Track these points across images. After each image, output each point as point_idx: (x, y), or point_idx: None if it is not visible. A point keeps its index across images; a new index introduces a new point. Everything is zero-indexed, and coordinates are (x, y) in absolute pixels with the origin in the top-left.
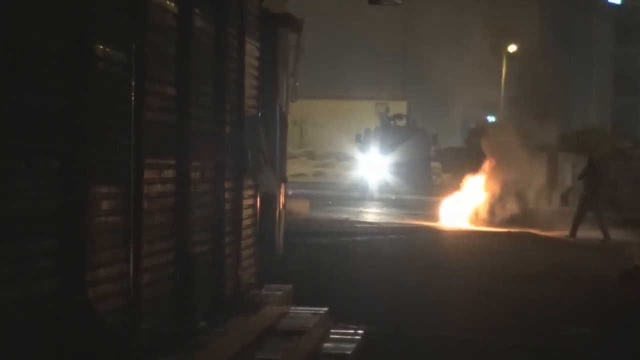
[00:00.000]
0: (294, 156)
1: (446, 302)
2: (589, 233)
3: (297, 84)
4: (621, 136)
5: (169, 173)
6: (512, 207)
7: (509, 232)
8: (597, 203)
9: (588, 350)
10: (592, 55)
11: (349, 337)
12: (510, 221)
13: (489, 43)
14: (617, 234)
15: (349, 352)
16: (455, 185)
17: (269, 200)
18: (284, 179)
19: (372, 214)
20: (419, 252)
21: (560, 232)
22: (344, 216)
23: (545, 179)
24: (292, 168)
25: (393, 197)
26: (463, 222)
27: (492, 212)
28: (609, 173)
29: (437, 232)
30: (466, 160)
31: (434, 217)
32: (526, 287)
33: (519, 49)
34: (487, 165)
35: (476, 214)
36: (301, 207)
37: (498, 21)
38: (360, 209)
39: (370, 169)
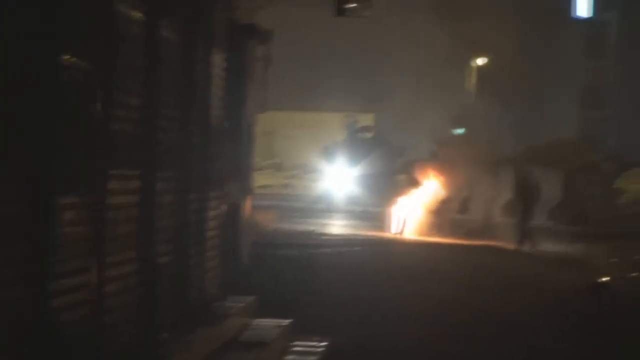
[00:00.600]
0: (262, 168)
1: (412, 314)
2: (555, 246)
3: (266, 95)
4: (591, 149)
5: (135, 183)
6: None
7: (473, 245)
8: (528, 213)
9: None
10: (561, 69)
11: (311, 349)
12: (474, 233)
13: (458, 56)
14: (584, 247)
15: None
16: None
17: (235, 212)
18: (250, 191)
19: (338, 226)
20: (385, 264)
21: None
22: (311, 228)
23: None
24: (259, 180)
25: (359, 209)
26: (426, 234)
27: (454, 223)
28: (538, 187)
29: (402, 244)
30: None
31: (399, 229)
32: (493, 299)
33: (488, 63)
34: (442, 177)
35: (437, 225)
36: (268, 219)
37: (467, 35)
38: (327, 220)
39: (337, 181)
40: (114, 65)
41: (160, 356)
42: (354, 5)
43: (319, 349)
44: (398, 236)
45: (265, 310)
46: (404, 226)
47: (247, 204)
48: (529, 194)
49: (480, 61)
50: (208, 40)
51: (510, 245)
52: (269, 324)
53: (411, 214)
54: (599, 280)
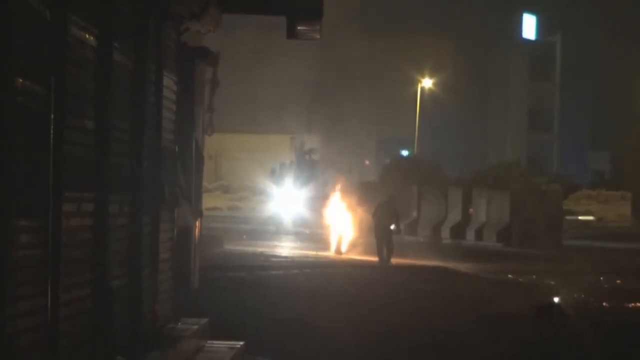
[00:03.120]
0: (209, 190)
1: (362, 338)
2: (503, 267)
3: (213, 117)
4: (536, 172)
5: (88, 207)
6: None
7: (423, 267)
8: (389, 233)
9: None
10: (507, 90)
11: None
12: (423, 255)
13: (404, 79)
14: (533, 269)
15: None
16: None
17: (185, 234)
18: (200, 213)
19: (286, 248)
20: (335, 286)
21: (473, 266)
22: (259, 250)
23: (460, 214)
24: (207, 202)
25: (307, 231)
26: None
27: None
28: (399, 209)
29: (351, 266)
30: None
31: (349, 251)
32: (443, 323)
33: (434, 84)
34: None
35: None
36: (216, 241)
37: (414, 57)
38: (275, 242)
39: (285, 202)
40: (66, 89)
41: None
42: (305, 28)
43: None
44: (338, 255)
45: (217, 332)
46: (340, 245)
47: (197, 227)
48: (393, 214)
49: (426, 83)
50: (158, 64)
51: (451, 265)
52: (222, 347)
53: (349, 233)
54: (549, 301)
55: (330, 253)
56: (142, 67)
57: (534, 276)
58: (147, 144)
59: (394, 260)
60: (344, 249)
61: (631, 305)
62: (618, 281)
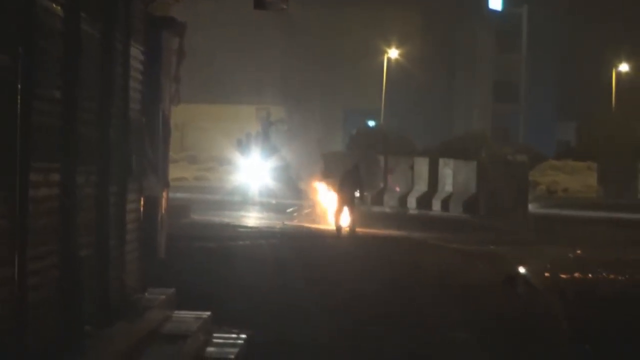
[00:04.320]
0: (175, 160)
1: (329, 307)
2: (469, 238)
3: (179, 88)
4: (503, 143)
5: (55, 176)
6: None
7: (390, 237)
8: (352, 202)
9: (464, 356)
10: (473, 61)
11: (231, 341)
12: (389, 225)
13: (371, 50)
14: (497, 240)
15: (232, 357)
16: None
17: (152, 205)
18: (167, 184)
19: (253, 218)
20: (302, 256)
21: (440, 237)
22: (226, 220)
23: (426, 184)
24: (173, 172)
25: (274, 202)
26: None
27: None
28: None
29: (319, 236)
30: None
31: (316, 221)
32: (410, 293)
33: (401, 55)
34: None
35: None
36: (183, 211)
37: (381, 28)
38: (242, 213)
39: (252, 173)
40: (34, 59)
41: (82, 350)
42: None
43: (239, 341)
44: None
45: (184, 302)
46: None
47: (164, 197)
48: (357, 182)
49: (393, 54)
50: (126, 34)
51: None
52: (189, 317)
53: (325, 204)
54: (514, 272)
55: (301, 224)
56: (109, 37)
57: (500, 247)
58: (115, 115)
59: (361, 230)
60: (344, 223)
61: (595, 275)
62: (578, 251)
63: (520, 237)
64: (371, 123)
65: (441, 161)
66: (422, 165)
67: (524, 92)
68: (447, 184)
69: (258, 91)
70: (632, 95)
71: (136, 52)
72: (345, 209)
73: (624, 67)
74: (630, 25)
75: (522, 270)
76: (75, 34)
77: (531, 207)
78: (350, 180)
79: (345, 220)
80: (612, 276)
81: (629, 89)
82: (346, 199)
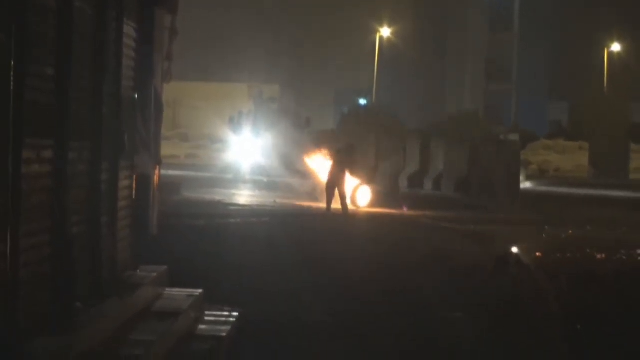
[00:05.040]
0: (167, 138)
1: (321, 287)
2: (462, 218)
3: (171, 65)
4: (495, 122)
5: (48, 153)
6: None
7: (382, 215)
8: (344, 183)
9: (459, 334)
10: (465, 40)
11: (223, 319)
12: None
13: (364, 28)
14: (489, 219)
15: (224, 334)
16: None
17: (144, 182)
18: (159, 161)
19: (245, 197)
20: (294, 235)
21: (432, 215)
22: (217, 198)
23: (418, 163)
24: (165, 150)
25: (266, 180)
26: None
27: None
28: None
29: (311, 214)
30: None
31: (307, 199)
32: (402, 272)
33: (393, 34)
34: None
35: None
36: (175, 188)
37: (373, 7)
38: (233, 191)
39: (244, 151)
40: (27, 36)
41: (74, 326)
42: None
43: (231, 319)
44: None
45: (176, 280)
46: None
47: (156, 175)
48: (349, 162)
49: (385, 32)
50: (119, 11)
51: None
52: (181, 294)
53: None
54: (507, 252)
55: (293, 202)
56: (102, 13)
57: (492, 226)
58: (107, 92)
59: (351, 209)
60: (362, 203)
61: (587, 254)
62: (570, 231)
63: (512, 216)
64: (362, 102)
65: (433, 140)
66: (413, 145)
67: (516, 71)
68: (438, 163)
69: (250, 69)
70: (624, 76)
71: (129, 29)
72: (338, 188)
73: (616, 47)
74: (622, 6)
75: (514, 249)
76: (68, 10)
77: (523, 187)
78: (341, 160)
79: (330, 199)
80: (604, 255)
81: (620, 70)
82: (337, 178)
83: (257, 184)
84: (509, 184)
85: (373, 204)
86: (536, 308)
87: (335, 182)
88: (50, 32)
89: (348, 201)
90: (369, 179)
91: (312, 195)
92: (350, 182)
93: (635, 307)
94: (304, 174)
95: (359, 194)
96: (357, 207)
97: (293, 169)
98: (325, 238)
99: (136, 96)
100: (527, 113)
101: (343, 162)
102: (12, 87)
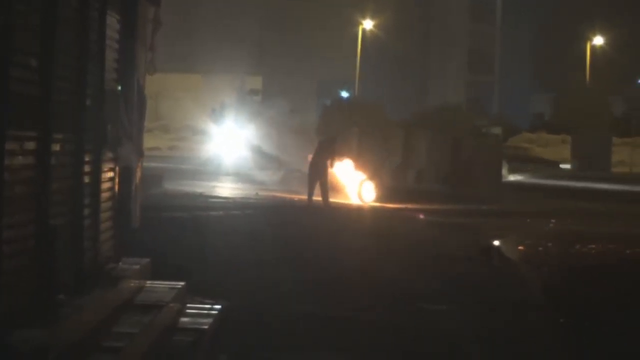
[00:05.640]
0: (149, 129)
1: (305, 278)
2: (445, 209)
3: (154, 57)
4: (478, 114)
5: (31, 145)
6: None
7: (365, 207)
8: (325, 173)
9: (443, 325)
10: (448, 32)
11: (205, 312)
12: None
13: (346, 20)
14: (472, 211)
15: (206, 327)
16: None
17: (127, 174)
18: (141, 153)
19: (226, 189)
20: (276, 228)
21: (415, 208)
22: (199, 191)
23: (400, 155)
24: (147, 142)
25: (247, 172)
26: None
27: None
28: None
29: (293, 207)
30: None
31: (289, 192)
32: (385, 264)
33: (375, 26)
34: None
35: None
36: (156, 181)
37: None
38: (215, 183)
39: (225, 143)
40: (11, 26)
41: (56, 318)
42: None
43: (213, 312)
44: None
45: (158, 273)
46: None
47: (139, 167)
48: (331, 153)
49: (368, 24)
50: (102, 2)
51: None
52: (164, 287)
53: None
54: (489, 244)
55: (275, 195)
56: (86, 5)
57: (474, 218)
58: (90, 83)
59: (333, 201)
60: (369, 198)
61: (570, 246)
62: (552, 222)
63: (494, 208)
64: (345, 94)
65: (415, 133)
66: (396, 137)
67: (498, 63)
68: (421, 156)
69: (233, 61)
70: (606, 69)
71: (112, 20)
72: (319, 180)
73: (598, 41)
74: None
75: (496, 242)
76: (51, 1)
77: (505, 179)
78: (323, 151)
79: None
80: (586, 247)
81: (603, 62)
82: (319, 170)
83: (238, 176)
84: (491, 176)
85: (379, 199)
86: (519, 300)
87: (317, 173)
88: (34, 21)
89: (354, 196)
90: (375, 174)
91: (284, 186)
92: (356, 176)
93: (620, 298)
94: (281, 165)
95: (365, 189)
96: (364, 202)
97: (272, 160)
98: (307, 230)
99: (119, 88)
100: (509, 105)
101: (325, 153)
102: None
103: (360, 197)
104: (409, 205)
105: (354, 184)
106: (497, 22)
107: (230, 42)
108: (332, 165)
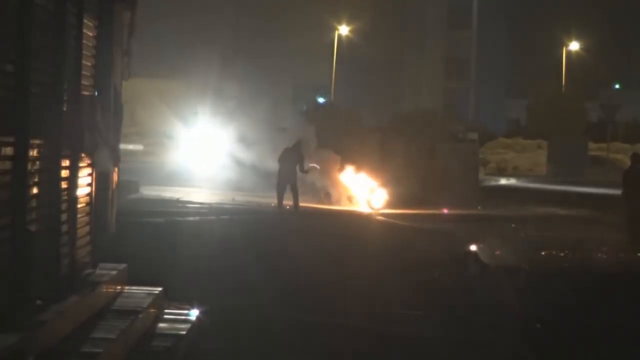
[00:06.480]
0: (125, 135)
1: (279, 284)
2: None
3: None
4: (453, 120)
5: (7, 150)
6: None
7: (339, 212)
8: (294, 178)
9: (417, 332)
10: (424, 39)
11: (183, 317)
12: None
13: (322, 25)
14: (448, 217)
15: (184, 333)
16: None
17: (103, 180)
18: (117, 158)
19: (203, 194)
20: (252, 233)
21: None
22: (176, 196)
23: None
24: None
25: (223, 178)
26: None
27: (324, 191)
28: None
29: (268, 212)
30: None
31: (266, 197)
32: (359, 270)
33: (351, 32)
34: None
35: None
36: (132, 187)
37: (331, 2)
38: (192, 188)
39: (201, 149)
40: None
41: (33, 324)
42: None
43: (190, 318)
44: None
45: (135, 278)
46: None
47: (115, 172)
48: (298, 158)
49: (343, 30)
50: (79, 7)
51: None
52: (141, 292)
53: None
54: (465, 250)
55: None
56: (62, 10)
57: (450, 224)
58: (67, 88)
59: (305, 206)
60: (376, 204)
61: (545, 252)
62: (528, 228)
63: (471, 214)
64: (321, 100)
65: (391, 138)
66: (372, 142)
67: (474, 69)
68: (397, 161)
69: (207, 66)
70: (582, 74)
71: (89, 25)
72: (288, 186)
73: (574, 46)
74: (581, 5)
75: (472, 247)
76: (28, 6)
77: (481, 185)
78: (290, 157)
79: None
80: (562, 253)
81: (579, 68)
82: (287, 175)
83: (215, 182)
84: (467, 182)
85: (389, 205)
86: (495, 306)
87: (285, 179)
88: (10, 26)
89: (364, 203)
90: (389, 181)
91: (261, 192)
92: (367, 183)
93: (594, 304)
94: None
95: (375, 196)
96: (373, 208)
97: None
98: (282, 235)
99: (96, 93)
100: (485, 111)
101: (291, 159)
102: None
103: (369, 204)
104: (383, 211)
105: (363, 191)
106: (473, 28)
107: (205, 47)
108: (302, 169)
